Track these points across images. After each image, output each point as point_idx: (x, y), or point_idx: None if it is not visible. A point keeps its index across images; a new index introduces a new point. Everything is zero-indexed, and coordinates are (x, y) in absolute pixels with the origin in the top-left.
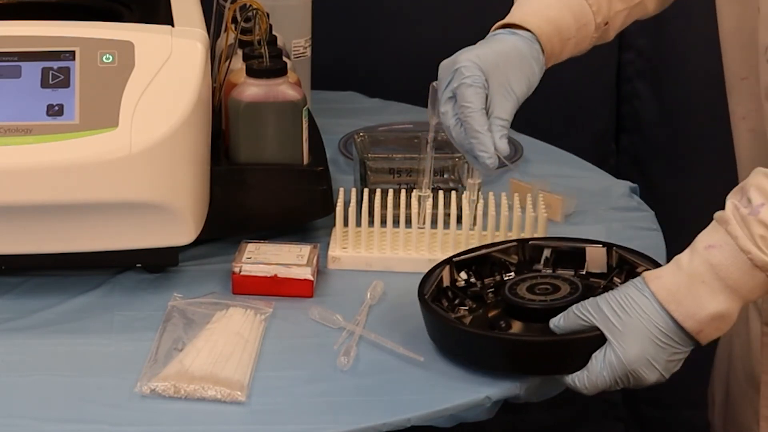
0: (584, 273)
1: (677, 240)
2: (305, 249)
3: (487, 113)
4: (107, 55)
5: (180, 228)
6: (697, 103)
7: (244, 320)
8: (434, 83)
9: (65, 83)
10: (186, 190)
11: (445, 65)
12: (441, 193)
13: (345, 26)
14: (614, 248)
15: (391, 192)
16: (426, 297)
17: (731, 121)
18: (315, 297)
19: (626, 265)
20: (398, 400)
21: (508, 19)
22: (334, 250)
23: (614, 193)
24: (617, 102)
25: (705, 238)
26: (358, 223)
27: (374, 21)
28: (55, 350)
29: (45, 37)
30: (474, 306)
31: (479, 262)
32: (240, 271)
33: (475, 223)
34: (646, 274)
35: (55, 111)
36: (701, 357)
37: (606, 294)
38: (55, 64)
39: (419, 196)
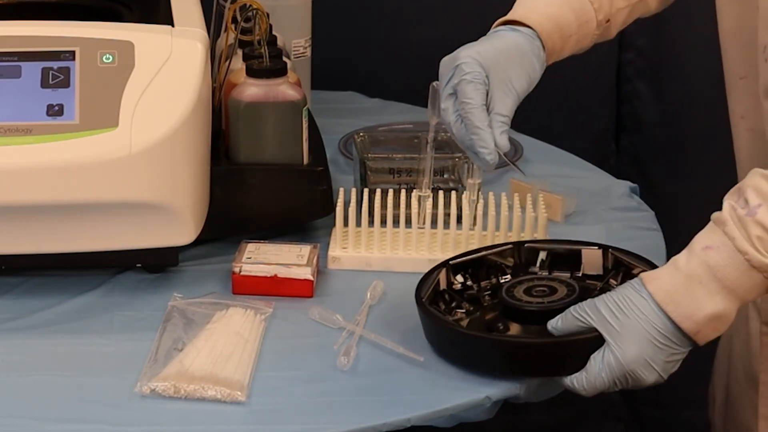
0: (580, 275)
1: (677, 240)
2: (305, 249)
3: (487, 110)
4: (107, 55)
5: (180, 228)
6: (697, 103)
7: (244, 320)
8: (434, 83)
9: (65, 83)
10: (186, 190)
11: (445, 62)
12: (441, 193)
13: (345, 26)
14: (610, 250)
15: (391, 192)
16: (423, 300)
17: (731, 121)
18: (315, 297)
19: (622, 267)
20: (398, 400)
21: (509, 16)
22: (334, 250)
23: (614, 193)
24: (617, 102)
25: (702, 239)
26: (358, 223)
27: (374, 21)
28: (55, 350)
29: (45, 37)
30: (471, 309)
31: (475, 264)
32: (240, 271)
33: (475, 223)
34: (643, 275)
35: (55, 111)
36: (701, 357)
37: (604, 295)
38: (55, 64)
39: (419, 196)
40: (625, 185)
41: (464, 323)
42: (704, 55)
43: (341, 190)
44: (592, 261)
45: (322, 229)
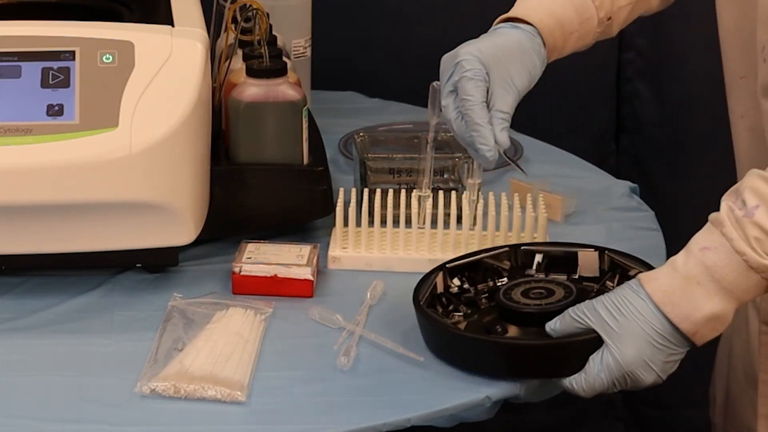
0: (577, 277)
1: (677, 240)
2: (305, 249)
3: (488, 106)
4: (107, 55)
5: (180, 228)
6: (697, 103)
7: (244, 320)
8: (434, 83)
9: (65, 83)
10: (186, 190)
11: (446, 59)
12: (441, 193)
13: (345, 26)
14: (606, 252)
15: (391, 192)
16: (421, 303)
17: (730, 120)
18: (315, 297)
19: (618, 269)
20: (398, 400)
21: (510, 13)
22: (334, 250)
23: (614, 193)
24: (617, 102)
25: (700, 239)
26: (358, 223)
27: (374, 21)
28: (55, 350)
29: (45, 37)
30: (468, 312)
31: (472, 268)
32: (240, 271)
33: (475, 223)
34: (641, 276)
35: (55, 111)
36: (701, 357)
37: (602, 296)
38: (55, 64)
39: (419, 196)
40: (625, 185)
41: (462, 326)
42: (704, 55)
43: (341, 190)
44: (588, 263)
45: (322, 229)
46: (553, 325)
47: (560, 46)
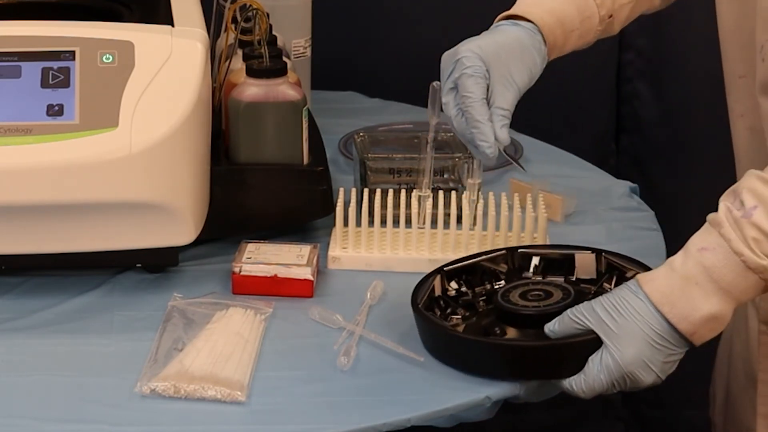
0: (574, 279)
1: (677, 240)
2: (305, 249)
3: (488, 103)
4: (107, 55)
5: (180, 228)
6: (697, 103)
7: (244, 320)
8: (434, 83)
9: (65, 83)
10: (186, 190)
11: (447, 56)
12: (441, 193)
13: (345, 26)
14: (603, 254)
15: (391, 192)
16: (419, 306)
17: (730, 120)
18: (315, 297)
19: (615, 271)
20: (398, 400)
21: (511, 11)
22: (334, 250)
23: (614, 193)
24: (617, 102)
25: (698, 240)
26: (358, 223)
27: (374, 21)
28: (55, 350)
29: (45, 37)
30: (467, 314)
31: (469, 271)
32: (240, 271)
33: (475, 223)
34: (639, 276)
35: (55, 111)
36: (701, 357)
37: (600, 297)
38: (55, 64)
39: (419, 196)
40: (625, 185)
41: (460, 329)
42: (704, 55)
43: (341, 190)
44: (585, 265)
45: (322, 229)
46: (552, 327)
47: (561, 43)
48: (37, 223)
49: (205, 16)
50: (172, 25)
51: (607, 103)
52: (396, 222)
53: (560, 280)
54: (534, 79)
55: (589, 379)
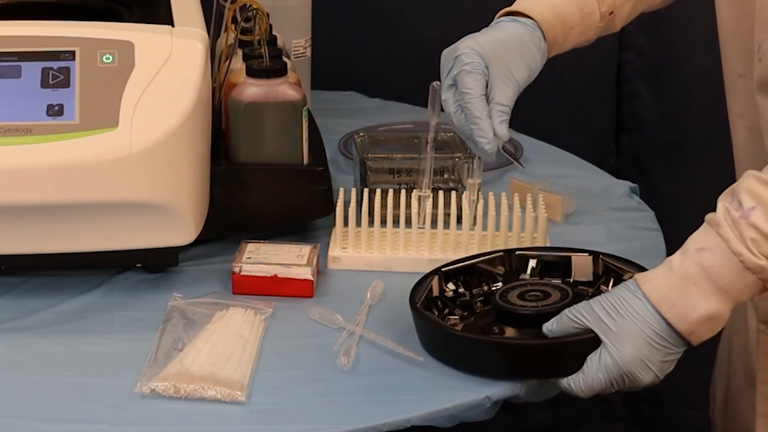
0: (571, 281)
1: (677, 240)
2: (305, 249)
3: (487, 100)
4: (107, 55)
5: (180, 228)
6: (697, 103)
7: (244, 320)
8: (434, 83)
9: (65, 83)
10: (186, 190)
11: (446, 53)
12: (441, 193)
13: (345, 26)
14: (600, 256)
15: (391, 192)
16: (417, 306)
17: (729, 119)
18: (315, 297)
19: (612, 273)
20: (398, 400)
21: (511, 8)
22: (334, 250)
23: (614, 193)
24: (617, 102)
25: (696, 240)
26: (358, 223)
27: (374, 21)
28: (55, 350)
29: (45, 37)
30: (464, 315)
31: (467, 272)
32: (240, 271)
33: (475, 224)
34: (638, 276)
35: (55, 111)
36: (701, 357)
37: (599, 297)
38: (55, 64)
39: (419, 196)
40: (625, 185)
41: (458, 329)
42: (704, 55)
43: (341, 190)
44: (582, 267)
45: (322, 229)
46: (550, 326)
47: (561, 40)
48: (37, 223)
49: (205, 16)
50: (172, 25)
51: (607, 102)
52: (396, 222)
53: (558, 281)
54: (534, 75)
55: (588, 378)
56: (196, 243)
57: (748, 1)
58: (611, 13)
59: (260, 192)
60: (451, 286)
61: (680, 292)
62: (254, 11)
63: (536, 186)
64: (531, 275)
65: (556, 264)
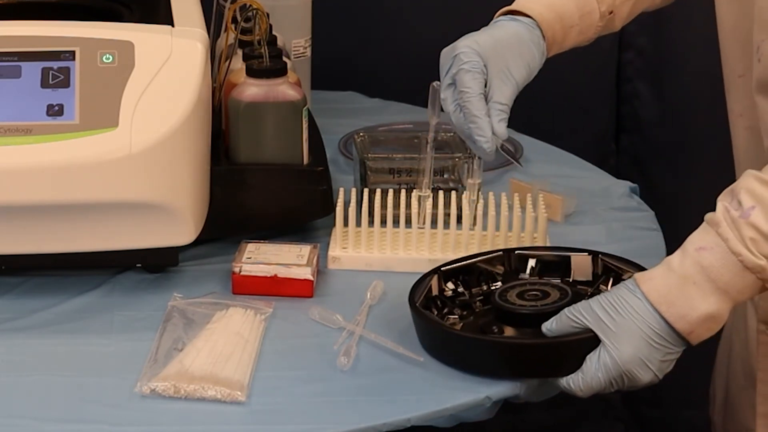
0: (571, 281)
1: (677, 240)
2: (305, 249)
3: (486, 98)
4: (107, 55)
5: (180, 228)
6: (697, 103)
7: (244, 320)
8: (434, 83)
9: (65, 83)
10: (186, 190)
11: (445, 52)
12: (441, 193)
13: (345, 26)
14: (600, 256)
15: (391, 192)
16: (417, 305)
17: (729, 119)
18: (315, 297)
19: (612, 273)
20: (398, 400)
21: (510, 7)
22: (334, 250)
23: (614, 193)
24: (617, 102)
25: (696, 239)
26: (358, 223)
27: (374, 21)
28: (55, 350)
29: (45, 37)
30: (464, 314)
31: (466, 271)
32: (240, 271)
33: (475, 223)
34: (637, 275)
35: (55, 111)
36: (701, 357)
37: (598, 296)
38: (55, 64)
39: (419, 196)
40: (625, 185)
41: (458, 328)
42: (704, 55)
43: (341, 190)
44: (581, 267)
45: (322, 229)
46: (550, 326)
47: (560, 39)
48: (37, 223)
49: (205, 16)
50: (172, 25)
51: (607, 102)
52: (396, 222)
53: (557, 281)
54: (533, 73)
55: (587, 377)
56: (196, 243)
57: (748, 2)
58: (611, 13)
59: (260, 192)
60: (450, 285)
61: (679, 291)
62: (254, 11)
63: (536, 186)
64: (530, 275)
65: (555, 264)
